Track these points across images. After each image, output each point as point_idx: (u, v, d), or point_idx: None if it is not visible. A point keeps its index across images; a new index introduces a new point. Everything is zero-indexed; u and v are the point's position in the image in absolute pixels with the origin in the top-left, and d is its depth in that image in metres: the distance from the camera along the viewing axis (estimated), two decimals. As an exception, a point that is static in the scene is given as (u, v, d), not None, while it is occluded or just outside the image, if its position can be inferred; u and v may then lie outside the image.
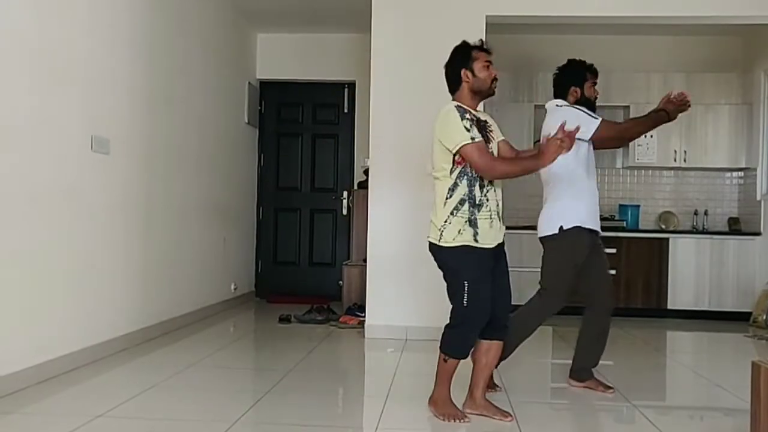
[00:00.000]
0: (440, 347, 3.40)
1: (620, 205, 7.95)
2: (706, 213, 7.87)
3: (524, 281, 7.33)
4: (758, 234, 7.23)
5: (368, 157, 5.90)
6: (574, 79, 4.02)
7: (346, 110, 8.04)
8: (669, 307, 7.30)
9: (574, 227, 3.86)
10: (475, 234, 3.29)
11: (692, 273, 7.28)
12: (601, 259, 4.05)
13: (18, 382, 3.64)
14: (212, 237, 6.65)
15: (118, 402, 3.49)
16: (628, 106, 7.68)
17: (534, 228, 7.51)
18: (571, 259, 3.89)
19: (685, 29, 7.42)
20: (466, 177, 3.30)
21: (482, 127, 3.37)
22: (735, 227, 7.69)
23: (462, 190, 3.29)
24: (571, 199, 3.90)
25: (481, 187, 3.30)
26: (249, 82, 7.83)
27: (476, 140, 3.22)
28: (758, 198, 7.35)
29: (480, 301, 3.32)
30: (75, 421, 3.14)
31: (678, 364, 5.42)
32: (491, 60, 3.42)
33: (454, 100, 3.46)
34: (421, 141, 5.67)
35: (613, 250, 7.32)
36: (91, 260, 4.40)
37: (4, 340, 3.59)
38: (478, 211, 3.29)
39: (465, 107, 3.37)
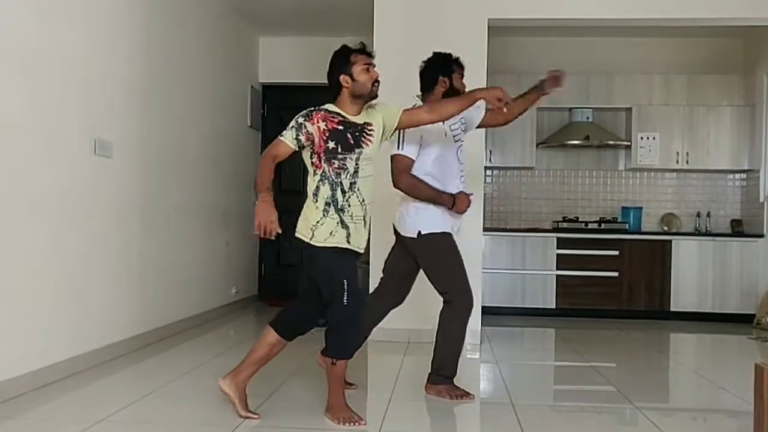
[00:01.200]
0: (326, 352, 3.38)
1: (622, 208, 7.95)
2: (708, 215, 7.87)
3: (527, 282, 7.35)
4: (761, 236, 7.22)
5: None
6: (444, 70, 4.04)
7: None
8: (672, 309, 7.29)
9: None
10: (348, 236, 3.33)
11: (695, 275, 7.28)
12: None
13: (17, 387, 3.65)
14: (214, 240, 6.65)
15: (118, 408, 3.49)
16: (630, 108, 7.69)
17: (536, 231, 7.55)
18: (451, 257, 3.97)
19: (687, 31, 7.43)
20: (327, 181, 3.34)
21: (357, 131, 3.37)
22: (738, 229, 7.68)
23: (325, 192, 3.34)
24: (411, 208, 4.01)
25: (343, 192, 3.33)
26: (251, 86, 7.84)
27: (282, 137, 3.33)
28: (761, 200, 7.34)
29: (361, 300, 3.36)
30: (75, 426, 3.14)
31: (681, 365, 5.41)
32: (372, 62, 3.42)
33: (334, 105, 3.45)
34: (423, 144, 5.69)
35: (616, 253, 7.33)
36: (90, 264, 4.41)
37: (3, 344, 3.59)
38: (342, 214, 3.32)
39: (332, 110, 3.40)
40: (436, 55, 4.14)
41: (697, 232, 7.68)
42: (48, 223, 3.93)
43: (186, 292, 5.90)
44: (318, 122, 3.33)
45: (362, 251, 3.41)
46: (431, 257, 3.95)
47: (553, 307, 7.33)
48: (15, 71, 3.67)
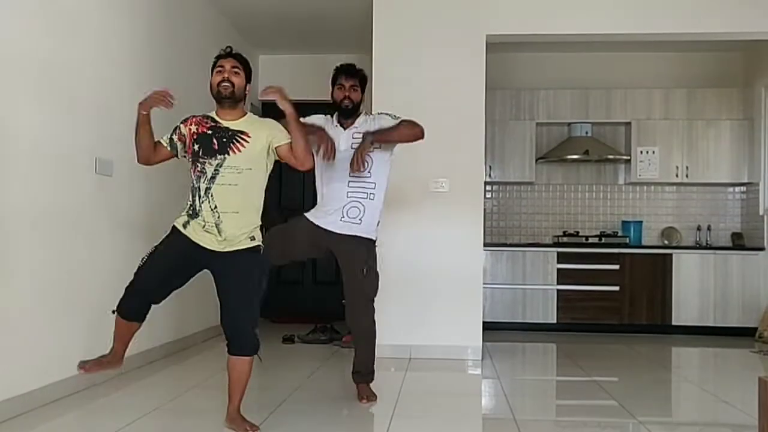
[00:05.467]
0: None
1: (623, 222, 7.95)
2: (709, 228, 7.87)
3: (528, 297, 7.34)
4: (762, 249, 7.22)
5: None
6: (331, 81, 4.13)
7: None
8: (674, 323, 7.28)
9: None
10: (186, 224, 3.39)
11: (696, 289, 7.27)
12: (352, 275, 4.04)
13: (21, 406, 3.64)
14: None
15: (121, 425, 3.48)
16: (629, 122, 7.71)
17: (536, 245, 7.54)
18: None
19: (686, 45, 7.46)
20: (191, 187, 3.42)
21: (226, 137, 3.38)
22: (738, 242, 7.68)
23: (189, 197, 3.43)
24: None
25: (199, 197, 3.37)
26: (251, 103, 7.85)
27: (162, 140, 3.50)
28: (761, 213, 7.34)
29: (143, 269, 3.39)
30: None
31: (684, 380, 5.40)
32: (223, 64, 3.47)
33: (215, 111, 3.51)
34: (424, 159, 5.71)
35: (617, 267, 7.33)
36: (93, 281, 4.40)
37: (4, 363, 3.58)
38: (195, 219, 3.36)
39: (209, 115, 3.49)
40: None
41: (697, 246, 7.68)
42: (51, 240, 3.93)
43: (191, 308, 5.88)
44: (191, 125, 3.44)
45: (200, 245, 3.36)
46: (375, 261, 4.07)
47: (554, 321, 7.31)
48: (22, 91, 3.70)
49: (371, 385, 4.16)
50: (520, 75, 8.02)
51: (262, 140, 3.40)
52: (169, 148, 3.49)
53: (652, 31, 5.82)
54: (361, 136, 3.94)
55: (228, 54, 3.50)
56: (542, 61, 8.00)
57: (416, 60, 5.81)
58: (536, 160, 7.77)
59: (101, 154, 4.48)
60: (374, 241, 4.08)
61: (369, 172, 3.99)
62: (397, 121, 4.03)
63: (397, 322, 5.66)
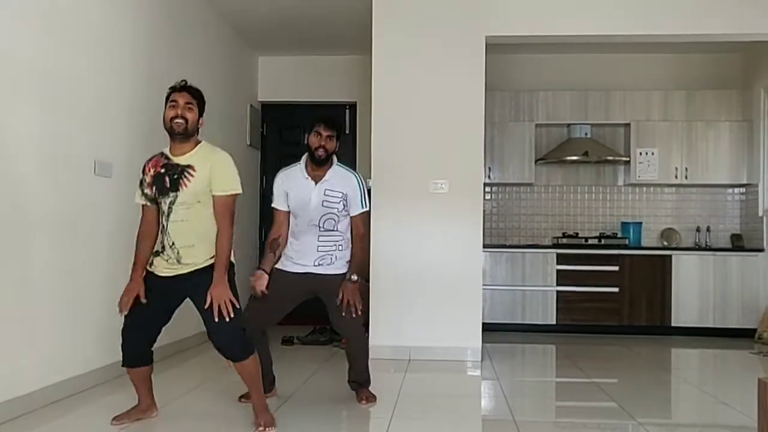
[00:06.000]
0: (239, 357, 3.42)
1: (622, 223, 7.95)
2: (708, 229, 7.87)
3: (527, 298, 7.35)
4: (761, 250, 7.22)
5: (370, 178, 5.91)
6: (309, 128, 4.13)
7: (347, 131, 8.06)
8: (673, 324, 7.28)
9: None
10: (151, 263, 3.48)
11: (696, 290, 7.27)
12: (338, 306, 4.04)
13: (20, 407, 3.64)
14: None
15: (121, 426, 3.48)
16: (628, 124, 7.71)
17: (536, 247, 7.55)
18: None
19: (685, 47, 7.46)
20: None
21: (177, 173, 3.38)
22: (738, 244, 7.68)
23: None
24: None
25: (162, 233, 3.44)
26: (251, 105, 7.87)
27: (136, 200, 3.51)
28: (760, 214, 7.35)
29: (127, 318, 3.46)
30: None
31: (683, 381, 5.39)
32: (176, 98, 3.43)
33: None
34: (423, 161, 5.72)
35: (616, 268, 7.33)
36: (92, 283, 4.40)
37: (3, 365, 3.58)
38: (160, 255, 3.45)
39: (164, 153, 3.48)
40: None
41: (697, 247, 7.68)
42: (52, 243, 3.94)
43: (188, 311, 5.86)
44: (149, 170, 3.43)
45: (166, 276, 3.43)
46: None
47: (554, 323, 7.31)
48: (23, 94, 3.71)
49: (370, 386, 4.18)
50: (519, 76, 8.02)
51: (206, 174, 3.39)
52: (148, 202, 3.48)
53: (652, 33, 5.81)
54: (333, 194, 4.02)
55: (182, 88, 3.47)
56: (541, 62, 8.00)
57: (415, 61, 5.81)
58: (535, 162, 7.77)
59: (100, 156, 4.48)
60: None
61: (336, 228, 4.09)
62: (362, 211, 4.12)
63: (396, 323, 5.67)
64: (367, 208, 4.16)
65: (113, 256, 4.61)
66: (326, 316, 4.14)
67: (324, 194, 4.00)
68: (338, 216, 4.05)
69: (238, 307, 3.37)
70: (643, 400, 4.42)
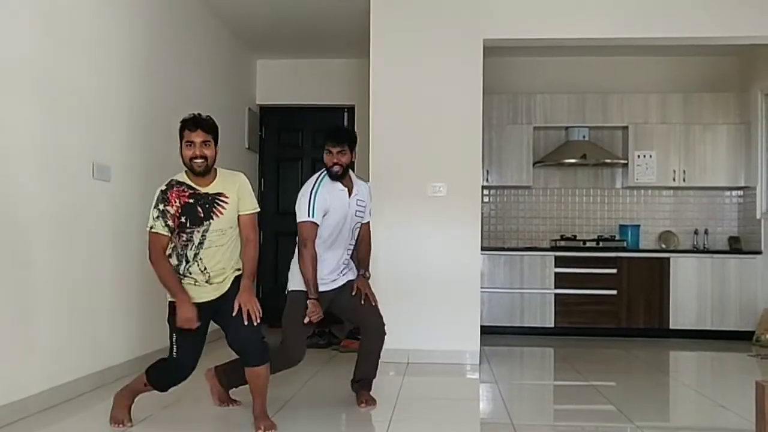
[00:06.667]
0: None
1: (620, 226, 7.96)
2: (706, 232, 7.88)
3: (526, 301, 7.35)
4: (759, 253, 7.23)
5: (368, 180, 5.91)
6: (322, 145, 4.12)
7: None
8: (671, 327, 7.28)
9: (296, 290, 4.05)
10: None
11: (694, 292, 7.27)
12: (353, 296, 4.12)
13: (23, 409, 3.65)
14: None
15: None
16: (626, 126, 7.72)
17: (534, 249, 7.55)
18: (294, 317, 4.00)
19: (683, 50, 7.47)
20: (175, 252, 3.46)
21: (208, 202, 3.42)
22: (736, 246, 7.69)
23: (173, 261, 3.46)
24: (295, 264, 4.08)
25: (187, 262, 3.44)
26: (249, 108, 7.87)
27: (153, 229, 3.40)
28: (758, 216, 7.36)
29: (178, 349, 3.48)
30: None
31: (681, 384, 5.40)
32: (192, 139, 3.40)
33: (185, 174, 3.51)
34: (421, 163, 5.72)
35: (614, 271, 7.33)
36: (90, 286, 4.40)
37: (3, 367, 3.58)
38: (183, 279, 3.44)
39: (183, 182, 3.47)
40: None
41: (695, 250, 7.69)
42: (51, 245, 3.93)
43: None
44: (174, 201, 3.41)
45: (205, 301, 3.47)
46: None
47: (552, 325, 7.31)
48: (23, 97, 3.72)
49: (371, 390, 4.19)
50: (517, 79, 8.03)
51: (234, 198, 3.47)
52: (170, 233, 3.44)
53: (649, 36, 5.82)
54: (361, 205, 4.14)
55: (195, 124, 3.42)
56: (539, 65, 8.01)
57: (414, 64, 5.82)
58: (533, 164, 7.78)
59: (99, 159, 4.49)
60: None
61: (354, 240, 4.22)
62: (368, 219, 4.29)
63: (395, 326, 5.61)
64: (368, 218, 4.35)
65: (112, 260, 4.62)
66: (324, 320, 4.13)
67: (357, 204, 4.10)
68: (359, 226, 4.21)
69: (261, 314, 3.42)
70: (641, 403, 4.42)
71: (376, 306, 4.14)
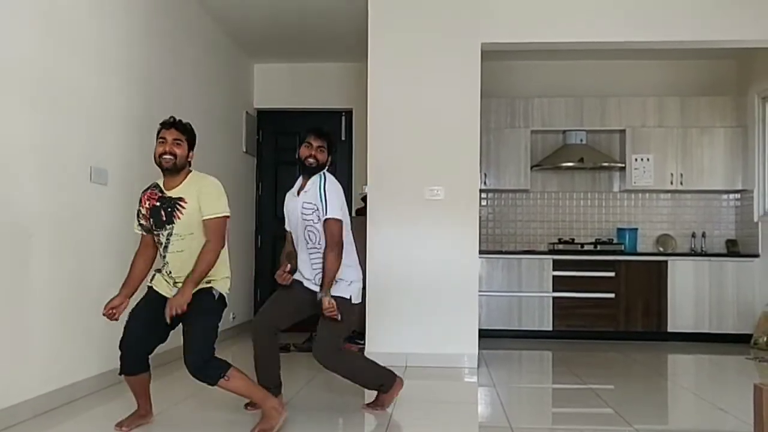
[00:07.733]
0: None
1: (618, 229, 7.96)
2: (704, 235, 7.88)
3: (524, 304, 7.35)
4: (756, 256, 7.23)
5: (366, 185, 5.92)
6: (302, 140, 4.12)
7: (343, 138, 8.07)
8: (669, 330, 7.28)
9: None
10: (152, 278, 3.60)
11: (692, 295, 7.28)
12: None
13: (17, 415, 3.64)
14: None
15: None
16: (624, 130, 7.73)
17: (532, 253, 7.55)
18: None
19: (680, 53, 7.49)
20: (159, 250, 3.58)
21: (170, 206, 3.46)
22: (733, 249, 7.70)
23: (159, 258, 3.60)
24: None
25: (163, 261, 3.55)
26: (246, 112, 7.87)
27: (135, 230, 3.61)
28: (755, 219, 7.37)
29: (127, 324, 3.52)
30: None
31: (680, 387, 5.40)
32: (165, 136, 3.46)
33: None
34: (419, 167, 5.72)
35: (612, 274, 7.34)
36: (86, 291, 4.39)
37: (8, 371, 3.58)
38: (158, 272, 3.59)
39: (158, 185, 3.55)
40: None
41: (692, 253, 7.69)
42: (48, 249, 3.93)
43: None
44: (145, 203, 3.51)
45: (162, 294, 3.52)
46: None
47: (550, 329, 7.31)
48: (23, 97, 3.73)
49: (369, 391, 4.21)
50: (514, 83, 8.04)
51: (194, 203, 3.45)
52: (145, 232, 3.59)
53: (646, 39, 5.83)
54: (309, 206, 3.90)
55: (171, 124, 3.50)
56: (537, 69, 8.02)
57: (411, 68, 5.82)
58: (531, 168, 7.79)
59: (96, 163, 4.48)
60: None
61: (317, 243, 3.92)
62: (326, 218, 3.86)
63: (392, 329, 5.67)
64: (333, 216, 3.87)
65: (109, 264, 4.61)
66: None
67: (303, 207, 3.93)
68: (318, 229, 3.90)
69: (213, 335, 3.42)
70: (639, 406, 4.42)
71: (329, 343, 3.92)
